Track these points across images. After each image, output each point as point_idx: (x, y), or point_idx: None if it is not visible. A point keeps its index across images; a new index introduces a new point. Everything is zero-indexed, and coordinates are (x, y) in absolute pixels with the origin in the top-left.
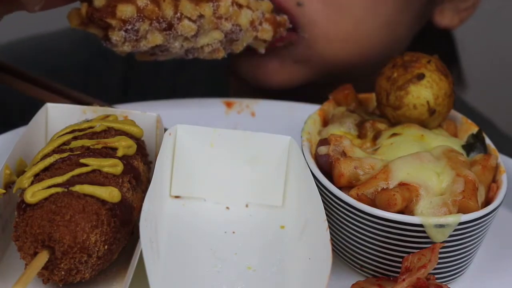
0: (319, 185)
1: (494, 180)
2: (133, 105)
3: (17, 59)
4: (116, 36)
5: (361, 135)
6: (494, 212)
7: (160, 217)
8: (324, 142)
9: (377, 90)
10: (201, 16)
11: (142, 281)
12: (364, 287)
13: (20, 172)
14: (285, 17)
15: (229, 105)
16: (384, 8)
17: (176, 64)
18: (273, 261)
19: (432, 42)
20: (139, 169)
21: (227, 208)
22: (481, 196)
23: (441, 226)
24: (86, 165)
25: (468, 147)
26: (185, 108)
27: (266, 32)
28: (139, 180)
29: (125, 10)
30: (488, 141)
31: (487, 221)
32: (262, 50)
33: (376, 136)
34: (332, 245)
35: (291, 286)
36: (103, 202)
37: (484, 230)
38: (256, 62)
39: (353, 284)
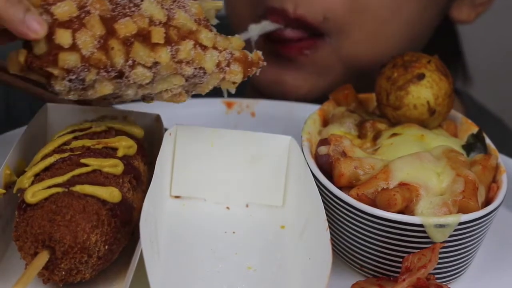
0: (319, 185)
1: (494, 180)
2: (133, 105)
3: None
4: (59, 86)
5: (361, 135)
6: (494, 212)
7: (160, 217)
8: (324, 142)
9: (377, 90)
10: (157, 62)
11: (142, 281)
12: (364, 287)
13: (20, 172)
14: (259, 53)
15: (229, 105)
16: (407, 7)
17: None
18: (273, 261)
19: (436, 37)
20: (139, 169)
21: (227, 208)
22: (481, 196)
23: (441, 226)
24: (86, 165)
25: (468, 147)
26: (185, 108)
27: (235, 74)
28: (139, 180)
29: (68, 59)
30: (488, 141)
31: (487, 221)
32: (232, 90)
33: (376, 136)
34: (332, 245)
35: (291, 286)
36: (103, 202)
37: (484, 230)
38: (276, 77)
39: (353, 284)
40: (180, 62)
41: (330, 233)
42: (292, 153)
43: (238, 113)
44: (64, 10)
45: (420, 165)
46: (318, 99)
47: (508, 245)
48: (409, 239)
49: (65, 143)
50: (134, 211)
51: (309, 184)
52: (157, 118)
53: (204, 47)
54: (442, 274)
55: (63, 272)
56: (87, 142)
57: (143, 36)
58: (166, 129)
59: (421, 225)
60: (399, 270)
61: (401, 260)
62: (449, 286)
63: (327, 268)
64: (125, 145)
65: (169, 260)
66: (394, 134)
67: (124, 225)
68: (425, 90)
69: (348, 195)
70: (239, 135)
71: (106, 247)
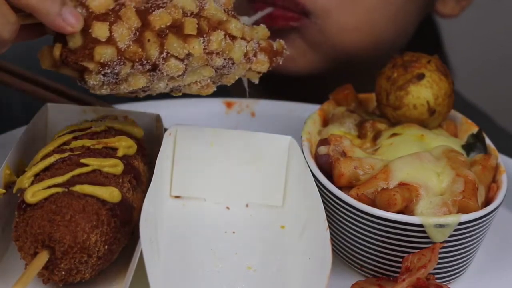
0: (319, 185)
1: (494, 180)
2: (133, 105)
3: (17, 59)
4: (93, 80)
5: (361, 135)
6: (494, 212)
7: (160, 217)
8: (324, 142)
9: (377, 90)
10: (189, 54)
11: (142, 281)
12: (364, 287)
13: (20, 172)
14: (282, 42)
15: (229, 105)
16: None
17: None
18: (273, 261)
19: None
20: (139, 169)
21: (227, 208)
22: (481, 196)
23: (441, 226)
24: (86, 165)
25: (468, 147)
26: (185, 108)
27: (262, 63)
28: (139, 180)
29: (104, 53)
30: (488, 141)
31: (487, 221)
32: (255, 80)
33: (376, 136)
34: (332, 245)
35: (291, 286)
36: (103, 202)
37: (484, 230)
38: None
39: (353, 284)
40: (211, 53)
41: (330, 233)
42: (292, 153)
43: (238, 113)
44: (100, 2)
45: (420, 165)
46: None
47: (508, 245)
48: (409, 239)
49: (65, 143)
50: (134, 211)
51: (309, 184)
52: (157, 118)
53: (233, 37)
54: (442, 274)
55: (63, 272)
56: (87, 142)
57: (177, 28)
58: (166, 129)
59: (421, 225)
60: (399, 270)
61: (401, 260)
62: (449, 286)
63: (327, 268)
64: (125, 145)
65: (169, 260)
66: (394, 134)
67: (124, 225)
68: (425, 90)
69: (348, 195)
70: (239, 135)
71: (106, 247)
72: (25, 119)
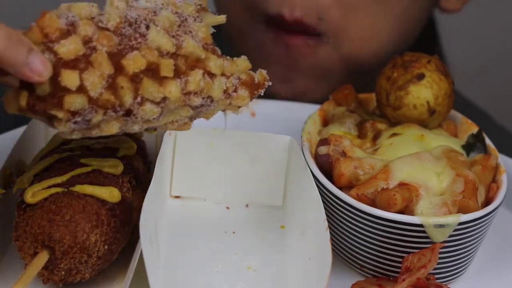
0: (319, 185)
1: (494, 180)
2: None
3: None
4: (63, 127)
5: (361, 135)
6: (494, 212)
7: (160, 217)
8: (324, 142)
9: (377, 90)
10: (166, 97)
11: (142, 281)
12: (364, 287)
13: (20, 172)
14: (264, 73)
15: None
16: (397, 1)
17: None
18: (273, 261)
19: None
20: (139, 169)
21: (227, 208)
22: (481, 196)
23: (441, 226)
24: (86, 165)
25: (468, 147)
26: None
27: (242, 99)
28: (139, 180)
29: (75, 102)
30: (488, 141)
31: (487, 221)
32: (236, 113)
33: (376, 136)
34: (332, 245)
35: (291, 286)
36: (103, 202)
37: (484, 230)
38: (284, 75)
39: (353, 284)
40: (188, 93)
41: (330, 233)
42: (292, 153)
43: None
44: (69, 49)
45: (420, 165)
46: (317, 100)
47: (508, 245)
48: (409, 239)
49: (64, 143)
50: (134, 211)
51: (309, 184)
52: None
53: (212, 75)
54: (442, 274)
55: (63, 272)
56: (87, 142)
57: (152, 71)
58: None
59: (421, 225)
60: (399, 270)
61: (401, 260)
62: (449, 286)
63: (327, 268)
64: (125, 146)
65: (169, 260)
66: (394, 134)
67: (123, 225)
68: (425, 90)
69: (348, 195)
70: (239, 135)
71: (106, 247)
72: (25, 119)
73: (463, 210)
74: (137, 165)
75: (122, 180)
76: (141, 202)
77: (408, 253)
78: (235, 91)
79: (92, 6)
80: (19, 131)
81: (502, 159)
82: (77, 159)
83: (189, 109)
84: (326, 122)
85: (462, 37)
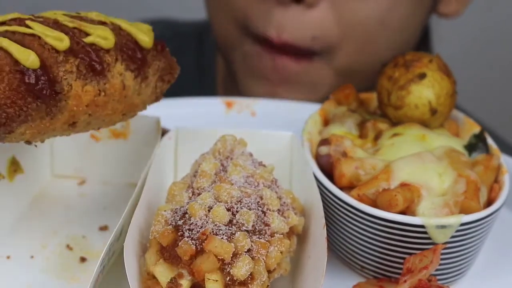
0: (320, 185)
1: (496, 180)
2: None
3: None
4: None
5: (362, 135)
6: (496, 213)
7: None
8: (325, 142)
9: (379, 90)
10: None
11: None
12: None
13: None
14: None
15: (229, 104)
16: (395, 16)
17: None
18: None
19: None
20: (102, 63)
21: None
22: (483, 196)
23: (443, 227)
24: (30, 27)
25: (470, 147)
26: (185, 108)
27: None
28: (96, 72)
29: None
30: (490, 141)
31: (489, 222)
32: None
33: (377, 136)
34: (333, 246)
35: (291, 285)
36: (16, 62)
37: (486, 231)
38: (270, 89)
39: (354, 285)
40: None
41: (331, 234)
42: (294, 149)
43: (238, 113)
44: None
45: (421, 166)
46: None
47: (510, 246)
48: (410, 240)
49: (46, 16)
50: (69, 99)
51: (309, 178)
52: (157, 121)
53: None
54: (444, 275)
55: None
56: (60, 17)
57: None
58: (165, 129)
59: (422, 226)
60: (400, 271)
61: (402, 261)
62: None
63: (323, 265)
64: (99, 34)
65: None
66: (396, 134)
67: (37, 98)
68: (426, 90)
69: (349, 195)
70: (241, 134)
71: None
72: None
73: (465, 210)
74: (107, 60)
75: (64, 58)
76: (90, 96)
77: (410, 254)
78: None
79: None
80: None
81: (504, 159)
82: (29, 22)
83: None
84: (327, 121)
85: (456, 40)
